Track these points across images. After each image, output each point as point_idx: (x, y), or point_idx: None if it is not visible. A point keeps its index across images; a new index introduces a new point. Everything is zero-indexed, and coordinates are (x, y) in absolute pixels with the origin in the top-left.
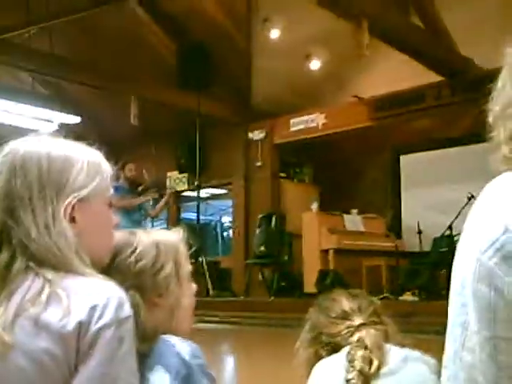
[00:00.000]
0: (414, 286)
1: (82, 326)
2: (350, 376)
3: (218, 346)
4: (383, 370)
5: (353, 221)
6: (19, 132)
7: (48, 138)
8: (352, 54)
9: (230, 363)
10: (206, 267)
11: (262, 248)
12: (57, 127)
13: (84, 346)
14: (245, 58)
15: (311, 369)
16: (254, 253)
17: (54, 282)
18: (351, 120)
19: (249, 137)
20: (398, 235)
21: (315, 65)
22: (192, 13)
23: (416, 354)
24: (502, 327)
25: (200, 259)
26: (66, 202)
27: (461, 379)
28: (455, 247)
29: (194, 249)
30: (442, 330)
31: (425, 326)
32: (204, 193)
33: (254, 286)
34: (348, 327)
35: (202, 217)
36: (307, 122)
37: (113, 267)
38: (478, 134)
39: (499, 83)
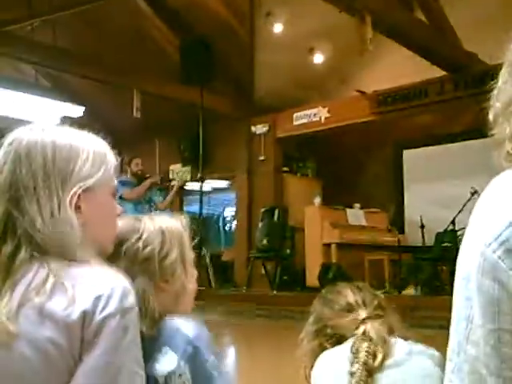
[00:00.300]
0: (417, 281)
1: (86, 316)
2: (354, 368)
3: (220, 338)
4: (388, 362)
5: (355, 215)
6: (22, 125)
7: (53, 126)
8: (355, 49)
9: (231, 355)
10: (208, 260)
11: (265, 241)
12: (60, 120)
13: (88, 336)
14: (247, 53)
15: (315, 360)
16: (256, 246)
17: (59, 272)
18: (354, 114)
19: (252, 131)
20: (401, 230)
21: (318, 59)
22: (195, 7)
23: (420, 347)
24: (506, 320)
25: (202, 252)
26: (72, 192)
27: (465, 372)
28: (458, 242)
29: (196, 241)
30: (445, 325)
31: (427, 321)
32: (207, 186)
33: (256, 279)
34: (353, 320)
35: (204, 210)
36: (310, 116)
37: (120, 253)
38: (480, 129)
39: (500, 80)
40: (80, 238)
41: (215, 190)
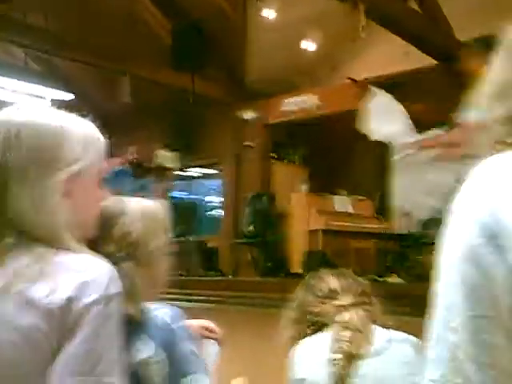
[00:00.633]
0: (402, 268)
1: (70, 302)
2: (335, 356)
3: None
4: (369, 351)
5: (342, 202)
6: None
7: (42, 107)
8: (347, 36)
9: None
10: (193, 246)
11: (251, 228)
12: (49, 104)
13: (71, 322)
14: (239, 38)
15: (296, 347)
16: (242, 233)
17: (44, 258)
18: (344, 102)
19: (241, 117)
20: (387, 217)
21: (310, 46)
22: None
23: (401, 334)
24: (485, 306)
25: (187, 238)
26: (61, 176)
27: (444, 359)
28: (443, 229)
29: (181, 227)
30: (427, 312)
31: (412, 308)
32: (193, 172)
33: (242, 266)
34: (334, 307)
35: (190, 196)
36: (300, 103)
37: (108, 237)
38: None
39: (493, 64)
40: (67, 224)
41: (202, 175)
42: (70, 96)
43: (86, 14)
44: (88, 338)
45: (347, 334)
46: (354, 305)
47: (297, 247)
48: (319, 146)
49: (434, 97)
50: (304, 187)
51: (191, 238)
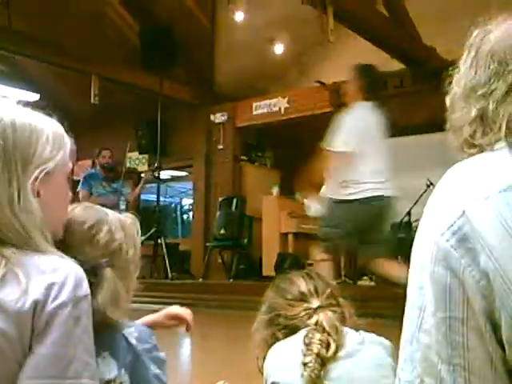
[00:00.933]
0: (372, 271)
1: (37, 305)
2: (307, 359)
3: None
4: (340, 353)
5: (311, 205)
6: None
7: (11, 104)
8: (316, 40)
9: (186, 346)
10: (165, 249)
11: (222, 231)
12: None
13: (39, 326)
14: (208, 40)
15: (267, 351)
16: (213, 235)
17: (12, 260)
18: (313, 105)
19: (211, 119)
20: None
21: (279, 49)
22: None
23: (372, 336)
24: (457, 308)
25: (159, 241)
26: (33, 177)
27: (417, 360)
28: (413, 233)
29: (153, 230)
30: (399, 315)
31: (382, 311)
32: (164, 175)
33: (213, 269)
34: (305, 309)
35: (161, 199)
36: (269, 106)
37: (92, 241)
38: (437, 122)
39: (462, 66)
40: (39, 225)
41: (173, 178)
42: (35, 96)
43: (53, 14)
44: (57, 341)
45: (318, 336)
46: (324, 307)
47: (268, 250)
48: (289, 148)
49: (401, 100)
50: (275, 190)
51: (163, 241)
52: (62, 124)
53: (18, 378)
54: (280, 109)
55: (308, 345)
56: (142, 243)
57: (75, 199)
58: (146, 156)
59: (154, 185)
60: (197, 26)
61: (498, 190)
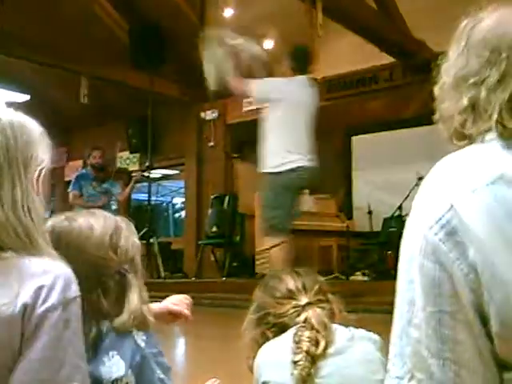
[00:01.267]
0: (365, 266)
1: (27, 309)
2: (297, 358)
3: (169, 328)
4: (330, 350)
5: (304, 201)
6: None
7: (4, 107)
8: (305, 35)
9: (180, 345)
10: (157, 248)
11: (214, 228)
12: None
13: (29, 330)
14: (198, 38)
15: (258, 350)
16: (206, 233)
17: (5, 264)
18: None
19: (201, 117)
20: (349, 215)
21: (268, 45)
22: None
23: (361, 332)
24: (446, 302)
25: (151, 241)
26: (35, 176)
27: (407, 354)
28: (404, 227)
29: (145, 230)
30: (391, 309)
31: (375, 305)
32: (156, 173)
33: (206, 267)
34: (294, 307)
35: (153, 198)
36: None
37: (115, 247)
38: (428, 116)
39: (451, 55)
40: (42, 227)
41: (164, 177)
42: (25, 97)
43: (42, 14)
44: (48, 345)
45: (307, 334)
46: (312, 304)
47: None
48: None
49: (392, 94)
50: None
51: (155, 241)
52: (54, 125)
53: (10, 382)
54: None
55: (297, 343)
56: None
57: (66, 200)
58: (137, 155)
59: (146, 184)
60: (186, 23)
61: (485, 183)
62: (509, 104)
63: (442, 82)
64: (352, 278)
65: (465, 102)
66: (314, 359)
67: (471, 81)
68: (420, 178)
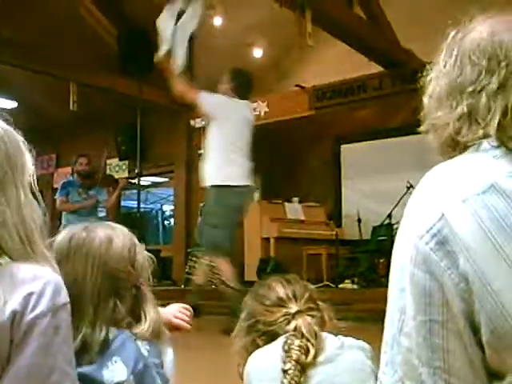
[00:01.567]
0: (354, 274)
1: (16, 316)
2: (287, 366)
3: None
4: (320, 359)
5: (293, 209)
6: None
7: None
8: (295, 44)
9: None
10: None
11: None
12: None
13: (18, 337)
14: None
15: (248, 358)
16: (195, 241)
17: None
18: (293, 109)
19: (191, 124)
20: (338, 223)
21: (258, 53)
22: None
23: (351, 340)
24: (436, 311)
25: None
26: (31, 182)
27: (398, 363)
28: (394, 235)
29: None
30: (381, 317)
31: (364, 314)
32: (145, 181)
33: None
34: (284, 315)
35: (142, 205)
36: None
37: (133, 262)
38: (416, 125)
39: (441, 65)
40: (40, 232)
41: (154, 184)
42: (13, 104)
43: (29, 19)
44: (37, 352)
45: (297, 342)
46: (302, 312)
47: (250, 255)
48: (270, 153)
49: (380, 103)
50: (256, 195)
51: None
52: (42, 132)
53: None
54: (260, 113)
55: (287, 351)
56: None
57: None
58: (126, 162)
59: (135, 191)
60: None
61: (476, 193)
62: (509, 111)
63: (431, 92)
64: (341, 286)
65: (461, 109)
66: (303, 368)
67: (469, 89)
68: (410, 187)
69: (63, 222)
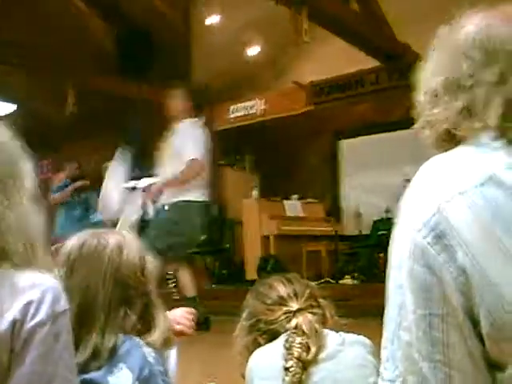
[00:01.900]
0: (354, 269)
1: (16, 325)
2: (288, 364)
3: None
4: (321, 356)
5: (292, 206)
6: None
7: None
8: (291, 40)
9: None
10: None
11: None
12: None
13: (18, 345)
14: (184, 44)
15: (249, 357)
16: None
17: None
18: (291, 106)
19: None
20: (338, 219)
21: (254, 51)
22: None
23: (353, 336)
24: (435, 305)
25: None
26: (31, 190)
27: (398, 358)
28: (394, 229)
29: None
30: (381, 313)
31: (365, 309)
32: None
33: (196, 274)
34: (285, 313)
35: None
36: (247, 109)
37: (143, 272)
38: (414, 118)
39: (435, 61)
40: (41, 239)
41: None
42: (12, 107)
43: (28, 21)
44: (38, 359)
45: (298, 340)
46: (303, 309)
47: (250, 253)
48: (268, 150)
49: (378, 97)
50: (255, 193)
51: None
52: (40, 135)
53: None
54: (257, 110)
55: (289, 349)
56: None
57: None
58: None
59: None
60: (171, 30)
61: (474, 185)
62: (509, 103)
63: (426, 89)
64: (342, 281)
65: (460, 103)
66: (305, 365)
67: (467, 83)
68: (407, 181)
69: (57, 227)
